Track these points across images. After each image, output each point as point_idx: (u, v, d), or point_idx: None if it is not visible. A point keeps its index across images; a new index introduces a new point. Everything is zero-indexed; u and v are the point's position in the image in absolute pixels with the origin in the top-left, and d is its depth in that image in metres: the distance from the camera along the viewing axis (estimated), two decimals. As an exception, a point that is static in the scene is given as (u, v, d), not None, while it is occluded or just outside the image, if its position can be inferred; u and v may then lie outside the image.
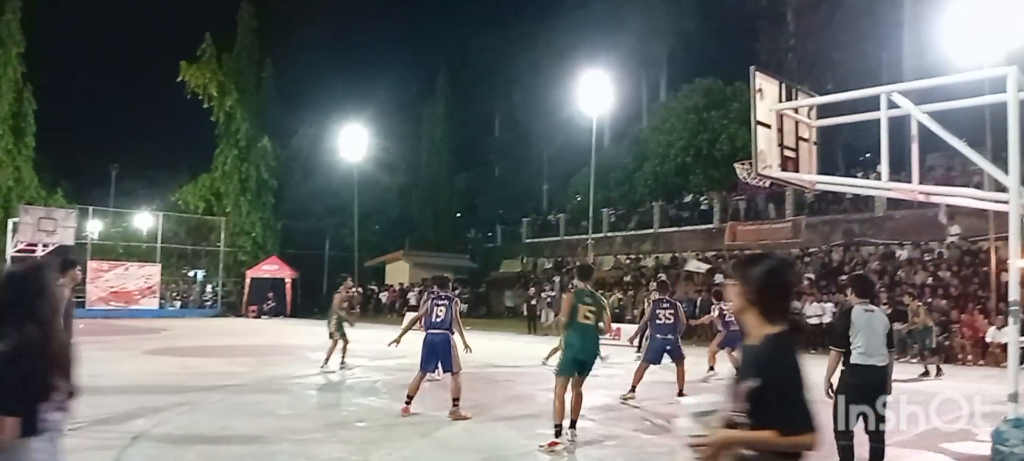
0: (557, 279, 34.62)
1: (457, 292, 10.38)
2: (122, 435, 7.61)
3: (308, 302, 38.67)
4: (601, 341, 7.89)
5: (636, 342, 19.47)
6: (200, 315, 36.14)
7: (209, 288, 40.13)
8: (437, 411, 9.45)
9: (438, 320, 8.91)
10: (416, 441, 7.75)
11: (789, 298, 2.66)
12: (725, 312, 13.77)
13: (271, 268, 38.22)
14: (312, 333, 23.09)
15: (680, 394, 10.71)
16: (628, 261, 34.93)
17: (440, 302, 9.02)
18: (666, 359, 11.25)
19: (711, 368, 13.52)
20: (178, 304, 37.63)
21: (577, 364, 7.60)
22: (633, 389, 10.77)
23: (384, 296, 38.65)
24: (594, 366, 7.87)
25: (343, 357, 14.01)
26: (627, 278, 31.47)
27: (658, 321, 11.14)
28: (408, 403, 9.08)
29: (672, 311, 11.20)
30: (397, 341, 9.55)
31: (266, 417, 8.85)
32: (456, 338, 9.01)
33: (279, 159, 40.82)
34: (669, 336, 11.09)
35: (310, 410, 9.68)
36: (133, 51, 50.92)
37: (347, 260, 36.93)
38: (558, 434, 7.44)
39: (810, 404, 2.42)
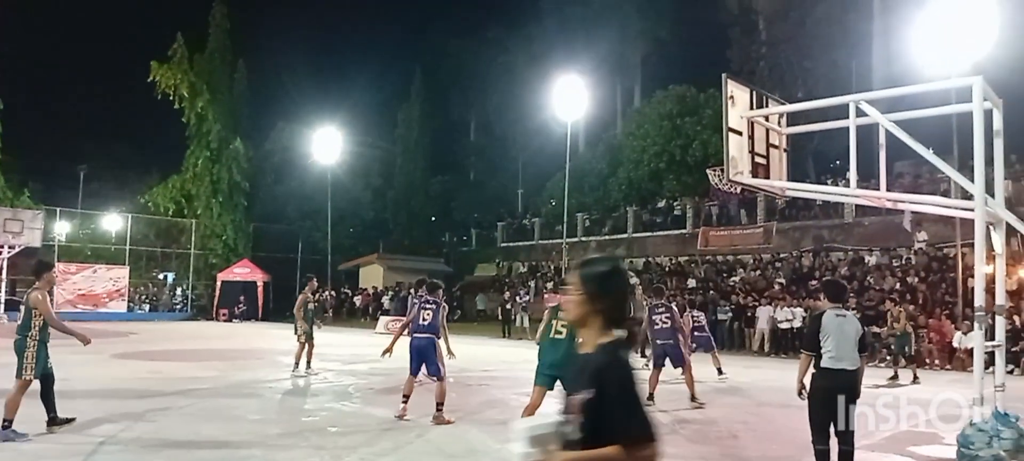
0: (532, 283, 34.71)
1: (445, 297, 10.68)
2: (89, 440, 7.49)
3: (281, 305, 38.30)
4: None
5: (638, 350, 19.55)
6: (170, 318, 35.68)
7: (179, 291, 39.64)
8: (411, 415, 9.42)
9: (425, 324, 8.93)
10: (388, 446, 7.71)
11: (627, 304, 2.45)
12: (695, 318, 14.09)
13: (242, 271, 37.83)
14: (284, 337, 22.86)
15: (692, 398, 10.76)
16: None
17: (427, 306, 9.04)
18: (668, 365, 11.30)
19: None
20: (147, 307, 37.14)
21: (548, 377, 7.49)
22: (651, 397, 10.82)
23: (358, 299, 38.41)
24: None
25: (309, 361, 13.89)
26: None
27: (655, 327, 11.11)
28: (405, 401, 9.06)
29: (668, 315, 11.12)
30: (389, 351, 9.42)
31: (236, 422, 8.75)
32: (441, 343, 9.02)
33: (251, 161, 40.41)
34: (669, 341, 11.00)
35: (281, 415, 9.59)
36: (102, 51, 50.41)
37: (320, 263, 36.67)
38: None
39: (648, 413, 2.23)
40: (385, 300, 35.85)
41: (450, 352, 9.21)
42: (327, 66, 52.49)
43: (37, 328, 7.54)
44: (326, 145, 35.85)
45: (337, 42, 56.16)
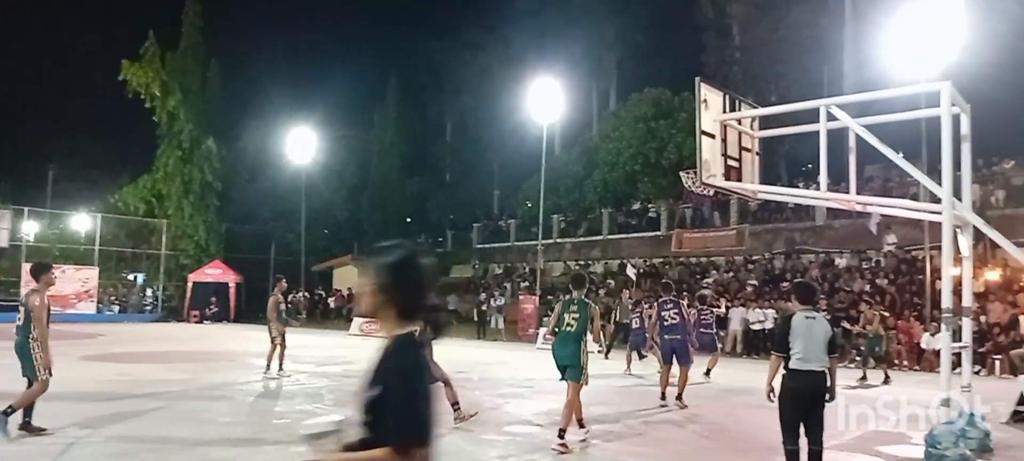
0: (507, 285, 34.71)
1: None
2: (56, 443, 7.36)
3: (253, 307, 37.95)
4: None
5: (605, 351, 19.59)
6: (140, 320, 35.21)
7: (149, 292, 39.12)
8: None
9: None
10: (361, 448, 7.65)
11: (424, 293, 2.28)
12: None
13: (214, 272, 37.43)
14: (256, 339, 22.64)
15: (678, 398, 10.77)
16: (577, 267, 35.14)
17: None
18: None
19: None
20: (116, 308, 36.56)
21: (560, 369, 7.89)
22: (662, 395, 10.94)
23: (332, 301, 38.14)
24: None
25: (281, 363, 13.76)
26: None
27: (665, 323, 11.13)
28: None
29: (677, 311, 11.12)
30: None
31: (206, 425, 8.64)
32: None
33: (224, 161, 39.95)
34: (677, 336, 11.03)
35: (252, 417, 9.48)
36: (73, 49, 49.54)
37: (294, 264, 36.39)
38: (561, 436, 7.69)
39: (429, 415, 2.11)
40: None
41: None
42: (302, 65, 52.01)
43: (43, 327, 7.59)
44: (300, 145, 35.58)
45: (312, 41, 55.63)
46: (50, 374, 7.64)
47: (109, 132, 47.58)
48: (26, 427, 7.68)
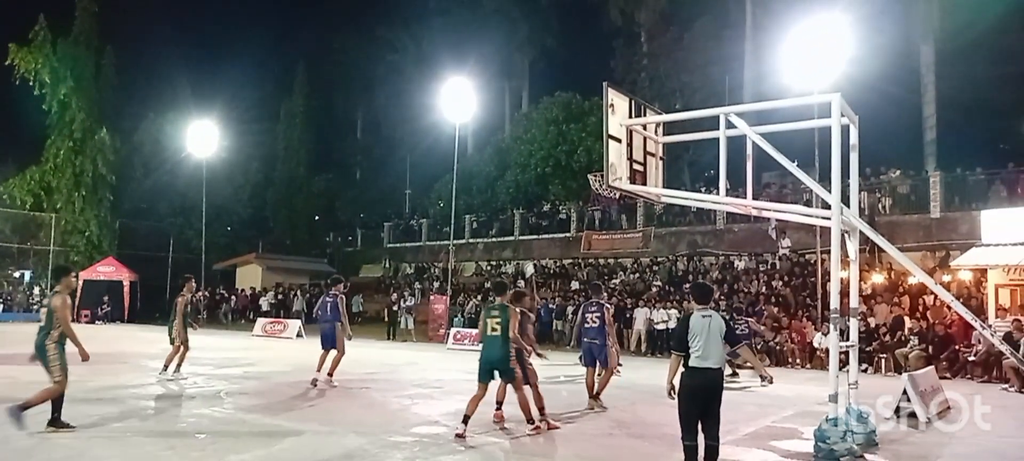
0: (418, 285, 34.44)
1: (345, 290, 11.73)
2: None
3: (149, 307, 36.33)
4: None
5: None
6: (26, 319, 33.10)
7: (37, 290, 36.88)
8: (282, 420, 9.14)
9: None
10: (260, 452, 7.44)
11: None
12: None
13: (107, 270, 35.66)
14: (151, 340, 21.67)
15: (595, 396, 10.73)
16: (489, 267, 35.27)
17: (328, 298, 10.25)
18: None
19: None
20: (1, 307, 34.34)
21: (485, 372, 8.47)
22: (593, 396, 10.85)
23: (234, 300, 36.89)
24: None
25: (179, 364, 13.27)
26: (487, 284, 31.72)
27: (585, 324, 10.96)
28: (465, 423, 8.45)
29: (599, 315, 10.90)
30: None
31: (94, 430, 8.19)
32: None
33: (119, 153, 38.04)
34: (595, 340, 10.81)
35: (145, 421, 9.06)
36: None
37: (194, 262, 35.02)
38: (465, 422, 8.18)
39: None
40: (264, 301, 34.64)
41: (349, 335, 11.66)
42: (204, 56, 50.11)
43: (58, 331, 7.84)
44: (201, 138, 34.25)
45: (215, 30, 53.66)
46: (65, 377, 7.91)
47: (-7, 120, 44.59)
48: (55, 423, 7.90)
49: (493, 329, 8.41)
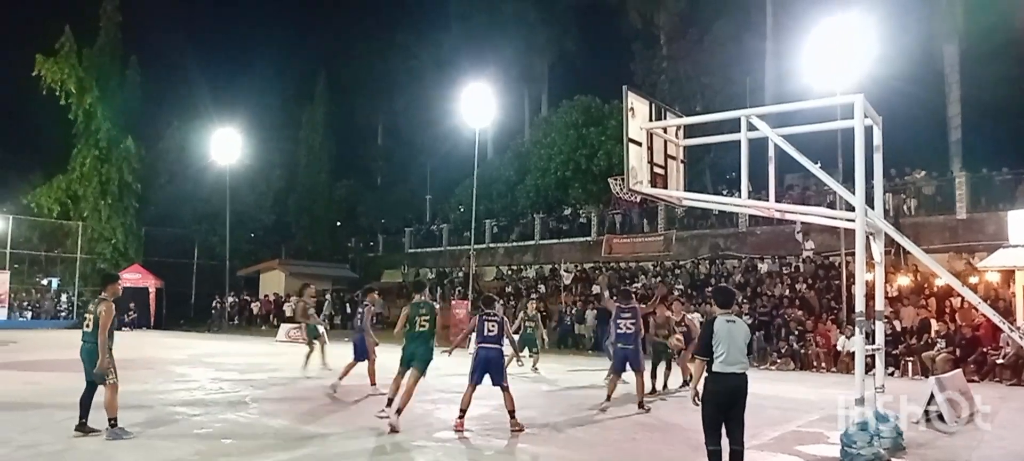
0: (440, 290, 34.52)
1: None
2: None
3: (175, 313, 36.79)
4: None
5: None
6: (53, 326, 33.65)
7: (64, 297, 37.47)
8: (307, 425, 9.20)
9: (491, 335, 9.38)
10: (283, 456, 7.49)
11: None
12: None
13: (133, 277, 36.09)
14: (176, 346, 21.94)
15: (640, 405, 10.67)
16: (510, 272, 35.28)
17: (490, 318, 9.44)
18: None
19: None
20: (29, 314, 34.92)
21: (409, 363, 9.42)
22: (607, 398, 10.93)
23: (257, 306, 37.23)
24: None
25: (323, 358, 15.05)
26: (508, 289, 31.75)
27: (619, 330, 10.89)
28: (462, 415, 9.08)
29: (633, 321, 10.86)
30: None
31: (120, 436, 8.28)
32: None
33: (144, 161, 38.55)
34: (630, 346, 10.76)
35: (170, 427, 9.16)
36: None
37: (218, 269, 35.39)
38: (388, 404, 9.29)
39: None
40: (287, 307, 34.91)
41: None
42: (227, 64, 50.83)
43: (104, 334, 8.14)
44: (225, 146, 34.62)
45: (237, 40, 54.41)
46: (116, 377, 8.28)
47: (21, 130, 45.31)
48: (82, 428, 8.17)
49: (421, 326, 9.26)
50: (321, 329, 15.70)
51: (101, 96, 36.77)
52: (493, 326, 9.29)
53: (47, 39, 35.96)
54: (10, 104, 43.83)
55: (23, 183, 39.96)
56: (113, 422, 8.09)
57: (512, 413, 8.91)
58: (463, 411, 8.95)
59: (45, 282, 38.99)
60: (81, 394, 8.30)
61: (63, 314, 36.25)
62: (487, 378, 9.07)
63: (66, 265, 37.79)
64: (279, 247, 44.27)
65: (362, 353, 12.60)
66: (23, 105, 40.88)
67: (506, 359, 9.40)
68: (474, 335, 9.40)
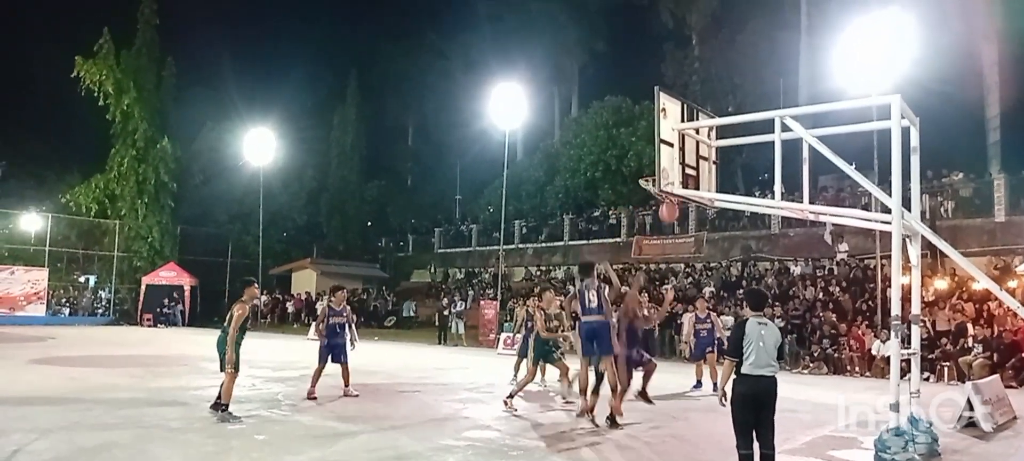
0: (469, 290, 34.66)
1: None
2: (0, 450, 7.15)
3: (208, 310, 37.31)
4: None
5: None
6: (91, 323, 34.37)
7: (101, 294, 38.22)
8: (337, 422, 9.29)
9: (592, 306, 9.31)
10: (315, 453, 7.57)
11: None
12: (699, 316, 14.18)
13: (169, 275, 36.73)
14: (211, 343, 22.22)
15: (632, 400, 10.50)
16: (539, 272, 35.28)
17: (590, 288, 9.34)
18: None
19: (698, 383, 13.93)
20: (67, 311, 35.68)
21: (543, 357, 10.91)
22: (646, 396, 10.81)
23: (290, 305, 37.70)
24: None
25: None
26: (537, 290, 31.72)
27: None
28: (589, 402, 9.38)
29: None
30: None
31: (155, 431, 8.45)
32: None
33: (179, 161, 39.20)
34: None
35: (204, 423, 9.30)
36: (24, 43, 48.16)
37: (251, 267, 35.86)
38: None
39: None
40: (319, 306, 35.26)
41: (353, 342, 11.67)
42: (259, 65, 51.41)
43: (234, 331, 9.25)
44: (258, 146, 35.07)
45: (270, 41, 54.94)
46: (236, 369, 9.34)
47: (60, 130, 46.38)
48: (217, 407, 9.30)
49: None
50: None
51: (138, 97, 37.41)
52: (593, 296, 9.29)
53: (86, 41, 36.72)
54: (50, 105, 44.99)
55: (62, 182, 40.84)
56: (224, 407, 9.20)
57: (614, 390, 9.26)
58: (583, 391, 9.53)
59: (83, 279, 39.76)
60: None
61: (100, 311, 36.98)
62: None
63: (103, 263, 38.53)
64: (311, 246, 44.74)
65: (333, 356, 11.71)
66: (62, 106, 41.91)
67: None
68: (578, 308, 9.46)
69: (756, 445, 6.12)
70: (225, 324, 9.44)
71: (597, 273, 9.69)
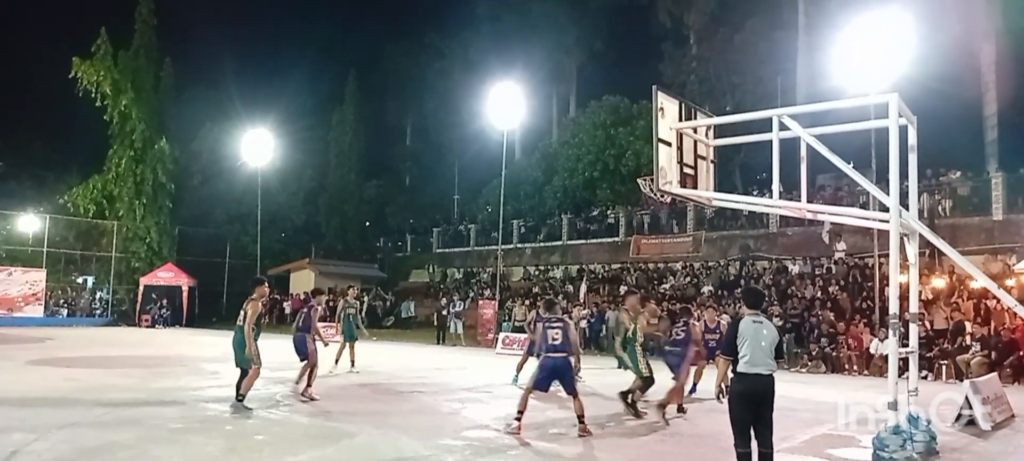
0: (468, 290, 34.66)
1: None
2: (-4, 451, 7.15)
3: (207, 311, 37.31)
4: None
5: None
6: (89, 324, 34.34)
7: (99, 295, 38.18)
8: (337, 422, 9.29)
9: (556, 344, 8.91)
10: (315, 453, 7.58)
11: None
12: (708, 325, 13.89)
13: (167, 275, 36.70)
14: (209, 343, 22.25)
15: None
16: (537, 272, 35.29)
17: (554, 326, 8.91)
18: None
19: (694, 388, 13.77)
20: (65, 312, 35.63)
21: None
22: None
23: (288, 305, 37.61)
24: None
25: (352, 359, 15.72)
26: (536, 289, 31.76)
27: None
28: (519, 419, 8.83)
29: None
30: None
31: (155, 431, 8.45)
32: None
33: (177, 162, 39.15)
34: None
35: (204, 423, 9.31)
36: (21, 44, 48.11)
37: (249, 268, 35.83)
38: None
39: None
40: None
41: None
42: (257, 66, 51.48)
43: (250, 327, 9.66)
44: (256, 147, 35.05)
45: (268, 41, 55.12)
46: (260, 363, 9.85)
47: (58, 131, 46.36)
48: (240, 400, 9.83)
49: (553, 339, 8.76)
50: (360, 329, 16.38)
51: (136, 98, 37.36)
52: (557, 333, 8.75)
53: (83, 42, 36.69)
54: (48, 106, 44.90)
55: (60, 183, 40.85)
56: (241, 398, 9.80)
57: (581, 418, 8.70)
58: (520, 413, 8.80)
59: (81, 280, 39.73)
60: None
61: (98, 312, 36.95)
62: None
63: (101, 264, 38.50)
64: (309, 246, 44.70)
65: (303, 353, 11.97)
66: (61, 107, 41.87)
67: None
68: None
69: (755, 444, 6.13)
70: (239, 322, 9.79)
71: (560, 308, 9.79)
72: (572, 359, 8.97)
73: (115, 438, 8.00)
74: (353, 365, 15.62)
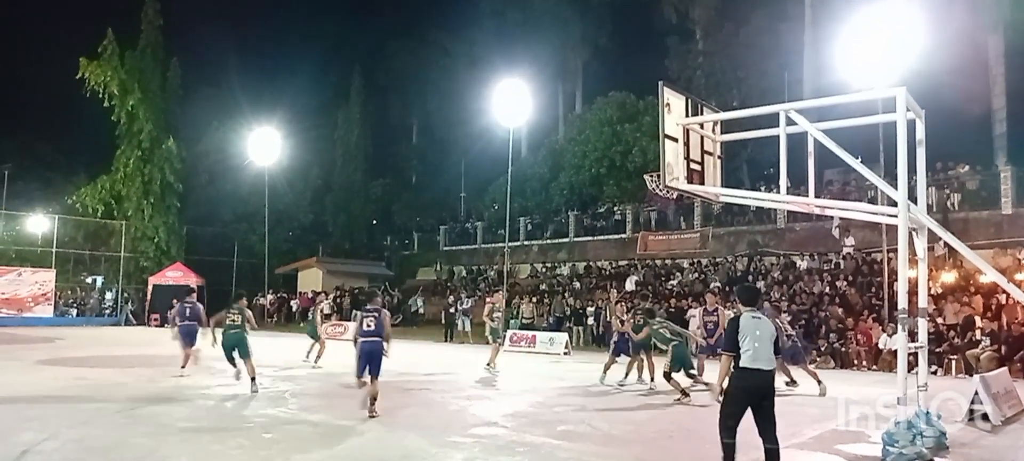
0: (476, 288, 34.65)
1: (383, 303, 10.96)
2: (8, 450, 7.18)
3: (215, 310, 37.24)
4: None
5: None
6: (98, 323, 34.47)
7: (108, 295, 38.32)
8: (345, 420, 9.30)
9: (370, 329, 9.62)
10: (324, 452, 7.60)
11: None
12: (708, 321, 13.98)
13: (175, 275, 36.75)
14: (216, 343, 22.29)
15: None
16: (544, 269, 35.27)
17: (369, 314, 9.76)
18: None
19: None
20: (74, 312, 35.78)
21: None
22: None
23: (296, 304, 37.74)
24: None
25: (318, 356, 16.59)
26: (543, 286, 31.75)
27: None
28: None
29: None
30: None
31: (164, 429, 8.49)
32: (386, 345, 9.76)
33: (185, 161, 39.22)
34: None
35: (212, 421, 9.34)
36: (28, 45, 48.30)
37: (257, 267, 35.89)
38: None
39: None
40: (325, 304, 35.30)
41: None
42: (264, 65, 51.53)
43: (248, 327, 12.20)
44: (263, 146, 35.09)
45: (274, 41, 55.04)
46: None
47: (66, 131, 46.55)
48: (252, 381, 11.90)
49: (367, 325, 9.57)
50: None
51: (143, 98, 37.41)
52: (371, 321, 9.69)
53: (90, 42, 36.68)
54: (55, 106, 45.10)
55: (68, 184, 40.92)
56: (252, 379, 11.91)
57: (374, 400, 9.51)
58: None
59: (89, 280, 39.86)
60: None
61: (107, 311, 37.08)
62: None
63: (110, 263, 38.62)
64: (316, 245, 44.77)
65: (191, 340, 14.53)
66: (68, 107, 41.98)
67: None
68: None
69: (757, 439, 6.14)
70: (239, 324, 12.13)
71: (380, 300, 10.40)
72: (385, 344, 9.67)
73: (125, 437, 8.03)
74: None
